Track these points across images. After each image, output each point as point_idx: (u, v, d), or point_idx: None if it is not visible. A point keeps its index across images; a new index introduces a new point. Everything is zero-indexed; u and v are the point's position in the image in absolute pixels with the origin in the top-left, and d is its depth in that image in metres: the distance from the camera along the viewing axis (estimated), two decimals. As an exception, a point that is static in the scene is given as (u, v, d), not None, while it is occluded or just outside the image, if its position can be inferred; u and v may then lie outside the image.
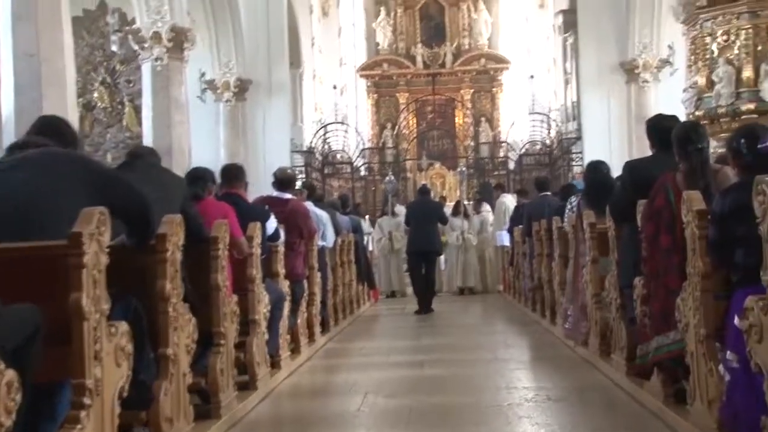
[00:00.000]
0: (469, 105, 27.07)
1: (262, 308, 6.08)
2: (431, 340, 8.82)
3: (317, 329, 8.43)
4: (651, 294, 4.98)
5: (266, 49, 19.33)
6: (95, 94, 19.10)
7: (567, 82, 23.55)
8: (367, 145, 25.44)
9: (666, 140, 5.48)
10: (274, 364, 6.54)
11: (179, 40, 15.03)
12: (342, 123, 22.86)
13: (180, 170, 13.01)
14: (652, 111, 18.73)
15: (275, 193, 7.65)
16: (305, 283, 7.77)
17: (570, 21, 21.82)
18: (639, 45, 18.01)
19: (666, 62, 17.65)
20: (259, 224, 6.03)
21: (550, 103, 25.41)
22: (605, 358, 6.41)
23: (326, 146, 22.98)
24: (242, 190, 6.37)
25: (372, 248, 14.66)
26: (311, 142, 21.49)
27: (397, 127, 26.53)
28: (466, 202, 16.93)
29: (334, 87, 24.29)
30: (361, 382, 6.16)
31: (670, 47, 17.45)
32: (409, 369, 6.88)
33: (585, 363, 6.80)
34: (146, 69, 15.41)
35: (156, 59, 15.08)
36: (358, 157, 22.05)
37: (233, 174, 6.36)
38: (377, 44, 27.60)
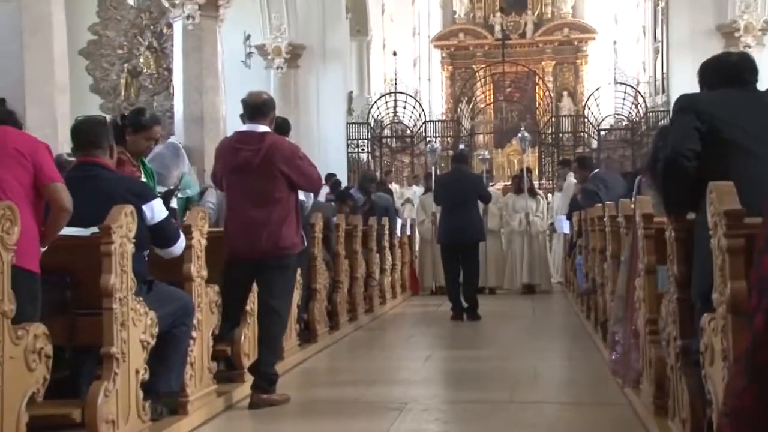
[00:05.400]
0: (550, 78, 24.28)
1: (139, 334, 3.94)
2: (438, 364, 6.53)
3: (291, 342, 6.25)
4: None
5: (321, 12, 17.14)
6: (141, 60, 17.37)
7: (657, 51, 20.59)
8: (440, 119, 22.99)
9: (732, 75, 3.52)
10: (177, 409, 4.41)
11: (213, -5, 13.03)
12: (404, 93, 20.40)
13: (212, 142, 11.11)
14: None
15: (245, 127, 5.17)
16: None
17: (662, -17, 18.92)
18: (741, 4, 15.04)
19: (773, 22, 14.66)
20: (129, 209, 3.86)
21: (639, 75, 22.46)
22: (662, 421, 4.04)
23: (395, 118, 20.66)
24: (106, 158, 4.16)
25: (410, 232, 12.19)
26: (369, 113, 19.18)
27: (472, 101, 23.97)
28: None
29: (394, 54, 21.87)
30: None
31: (778, 4, 14.48)
32: (378, 419, 4.62)
33: (635, 422, 4.43)
34: (177, 28, 13.45)
35: (187, 17, 13.08)
36: (419, 129, 19.58)
37: (88, 135, 4.14)
38: (453, 12, 25.07)
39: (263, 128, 5.11)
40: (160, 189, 5.49)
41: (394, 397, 5.15)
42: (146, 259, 4.16)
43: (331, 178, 12.10)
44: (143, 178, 4.96)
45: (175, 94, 13.79)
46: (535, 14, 24.72)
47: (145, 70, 17.36)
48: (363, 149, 18.56)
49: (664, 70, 19.43)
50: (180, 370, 4.37)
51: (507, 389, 5.31)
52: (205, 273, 4.72)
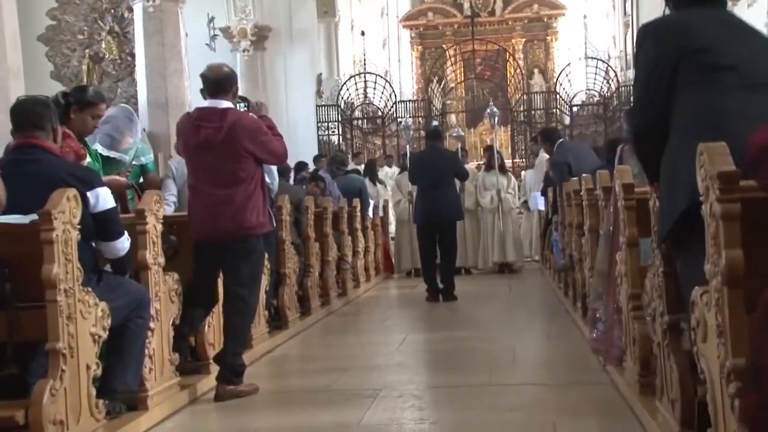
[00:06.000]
0: (521, 55, 24.04)
1: (89, 327, 3.65)
2: (413, 348, 6.28)
3: (259, 330, 5.98)
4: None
5: (286, -8, 16.79)
6: (102, 45, 16.88)
7: (627, 25, 20.44)
8: (411, 99, 22.66)
9: None
10: (137, 405, 4.13)
11: (173, -23, 12.70)
12: (373, 74, 20.10)
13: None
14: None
15: (207, 103, 4.82)
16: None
17: (631, -44, 18.73)
18: (710, -26, 14.84)
19: (743, -9, 14.45)
20: (73, 192, 3.56)
21: (609, 50, 22.30)
22: (649, 400, 3.82)
23: (365, 100, 20.32)
24: (47, 140, 3.83)
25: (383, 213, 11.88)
26: (339, 95, 18.86)
27: (443, 80, 23.67)
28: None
29: (362, 33, 21.53)
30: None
31: (747, -28, 14.28)
32: (351, 407, 4.37)
33: (619, 402, 4.21)
34: (137, 11, 13.15)
35: (148, 0, 12.75)
36: (390, 110, 19.28)
37: (29, 116, 3.80)
38: (422, -9, 24.75)
39: (226, 104, 4.83)
40: (113, 154, 5.25)
41: (368, 384, 4.91)
42: (94, 247, 3.87)
43: (304, 167, 11.71)
44: (88, 159, 4.68)
45: (138, 79, 13.42)
46: (504, -9, 24.46)
47: (107, 56, 16.87)
48: (333, 132, 18.27)
49: (635, 44, 19.28)
50: (137, 366, 4.07)
51: (485, 372, 5.08)
52: (162, 260, 4.43)
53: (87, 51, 16.85)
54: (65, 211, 3.48)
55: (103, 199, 3.83)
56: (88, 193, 3.73)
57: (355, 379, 5.11)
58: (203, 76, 4.91)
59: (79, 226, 3.58)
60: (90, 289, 3.67)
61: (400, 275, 11.70)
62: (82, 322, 3.60)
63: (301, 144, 16.33)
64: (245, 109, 5.21)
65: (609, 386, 4.51)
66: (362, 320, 8.05)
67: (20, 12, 12.28)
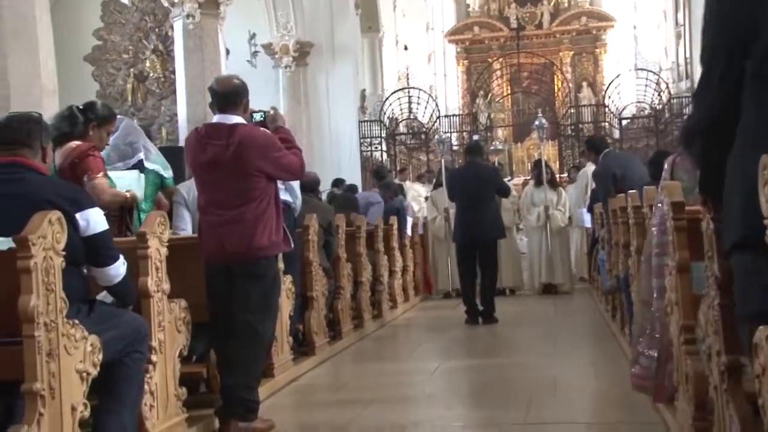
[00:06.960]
0: (568, 68, 23.45)
1: (75, 364, 3.28)
2: (446, 377, 5.79)
3: (282, 357, 5.57)
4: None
5: (329, 9, 16.51)
6: (147, 64, 16.79)
7: (679, 35, 19.73)
8: (456, 113, 22.20)
9: None
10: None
11: (212, -7, 12.52)
12: (417, 89, 19.68)
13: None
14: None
15: (215, 118, 4.48)
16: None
17: (681, -35, 18.08)
18: (764, -19, 14.14)
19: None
20: (56, 215, 3.20)
21: (661, 62, 21.59)
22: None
23: (410, 115, 19.92)
24: (35, 159, 3.48)
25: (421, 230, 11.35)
26: (382, 111, 18.48)
27: (489, 94, 23.16)
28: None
29: (405, 48, 21.17)
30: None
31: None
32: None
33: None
34: (177, 28, 12.99)
35: (188, 16, 12.56)
36: (433, 125, 18.82)
37: (16, 132, 3.44)
38: (467, 6, 24.32)
39: (235, 119, 4.43)
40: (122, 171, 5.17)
41: (394, 419, 4.49)
42: (85, 274, 3.50)
43: (340, 183, 11.27)
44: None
45: (178, 97, 13.21)
46: (552, 4, 23.97)
47: (151, 74, 16.76)
48: (377, 148, 17.90)
49: (687, 55, 18.59)
50: (134, 405, 3.68)
51: (522, 406, 4.59)
52: (166, 286, 4.05)
53: (132, 70, 16.77)
54: (46, 236, 3.11)
55: (95, 221, 3.46)
56: (77, 215, 3.37)
57: (381, 413, 4.68)
58: (211, 90, 4.55)
59: (63, 252, 3.21)
60: (77, 321, 3.30)
61: (438, 296, 11.17)
62: (67, 358, 3.22)
63: (345, 160, 16.02)
64: (261, 120, 4.84)
65: (660, 427, 4.01)
66: (397, 344, 7.60)
67: (67, 33, 12.14)
